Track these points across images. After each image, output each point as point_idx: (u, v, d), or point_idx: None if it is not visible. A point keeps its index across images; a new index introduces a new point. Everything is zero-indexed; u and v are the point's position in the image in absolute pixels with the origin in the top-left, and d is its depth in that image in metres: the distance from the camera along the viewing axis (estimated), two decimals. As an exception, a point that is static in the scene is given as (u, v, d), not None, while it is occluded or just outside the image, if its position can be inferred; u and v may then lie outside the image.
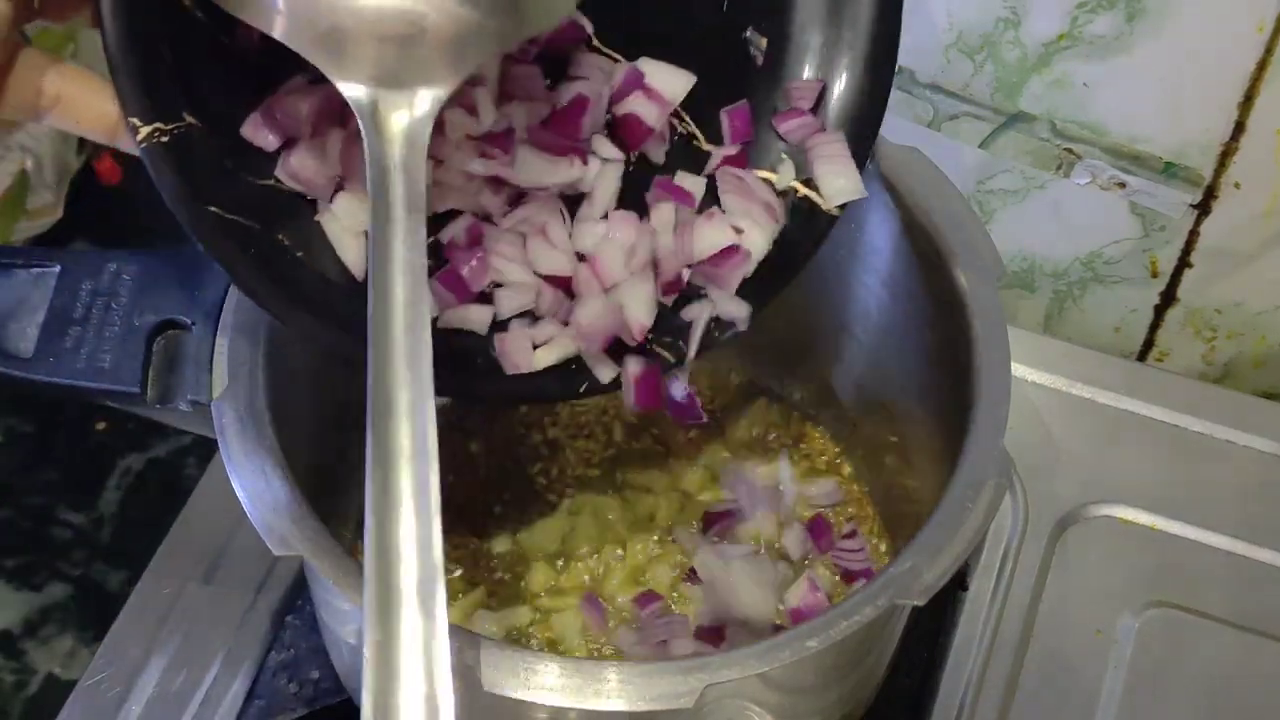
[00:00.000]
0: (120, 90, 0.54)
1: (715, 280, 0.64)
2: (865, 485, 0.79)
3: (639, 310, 0.63)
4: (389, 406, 0.50)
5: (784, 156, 0.66)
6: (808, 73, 0.66)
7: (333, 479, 0.74)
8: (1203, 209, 0.83)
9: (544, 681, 0.54)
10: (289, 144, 0.60)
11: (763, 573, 0.73)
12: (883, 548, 0.78)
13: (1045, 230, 0.87)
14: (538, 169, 0.62)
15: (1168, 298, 0.88)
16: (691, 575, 0.75)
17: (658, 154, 0.65)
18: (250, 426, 0.61)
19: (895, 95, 0.83)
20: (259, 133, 0.59)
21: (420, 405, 0.49)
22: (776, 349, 0.81)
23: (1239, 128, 0.78)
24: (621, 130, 0.64)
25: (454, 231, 0.62)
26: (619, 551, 0.76)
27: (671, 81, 0.64)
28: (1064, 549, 0.80)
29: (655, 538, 0.76)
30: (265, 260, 0.59)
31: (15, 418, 0.94)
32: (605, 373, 0.64)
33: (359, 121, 0.53)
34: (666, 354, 0.65)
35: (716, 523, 0.76)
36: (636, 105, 0.64)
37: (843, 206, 0.65)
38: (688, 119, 0.66)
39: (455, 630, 0.56)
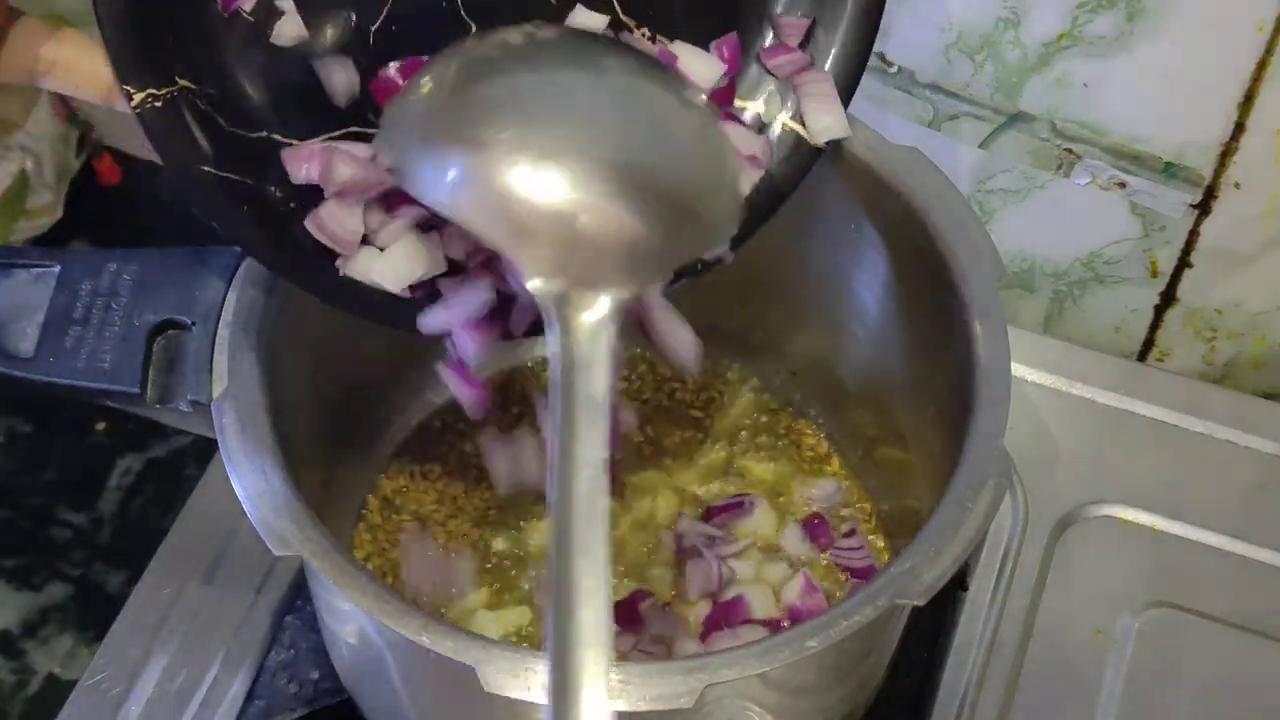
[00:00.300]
0: (113, 57, 0.55)
1: None
2: (865, 484, 0.79)
3: None
4: (569, 595, 0.49)
5: (771, 90, 0.67)
6: (798, 9, 0.67)
7: (333, 479, 0.74)
8: (1203, 209, 0.83)
9: (544, 681, 0.54)
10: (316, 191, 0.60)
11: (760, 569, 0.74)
12: (879, 544, 0.78)
13: (1045, 230, 0.87)
14: None
15: (1168, 298, 0.88)
16: (683, 553, 0.75)
17: None
18: (250, 426, 0.61)
19: (895, 95, 0.83)
20: (299, 166, 0.60)
21: (597, 591, 0.49)
22: (776, 348, 0.81)
23: (1239, 128, 0.78)
24: None
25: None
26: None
27: (702, 66, 0.65)
28: (1064, 549, 0.80)
29: (655, 538, 0.76)
30: (261, 216, 0.59)
31: (15, 418, 0.94)
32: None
33: (544, 313, 0.54)
34: None
35: (717, 515, 0.76)
36: None
37: (828, 143, 0.66)
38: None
39: (455, 630, 0.56)
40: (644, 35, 0.65)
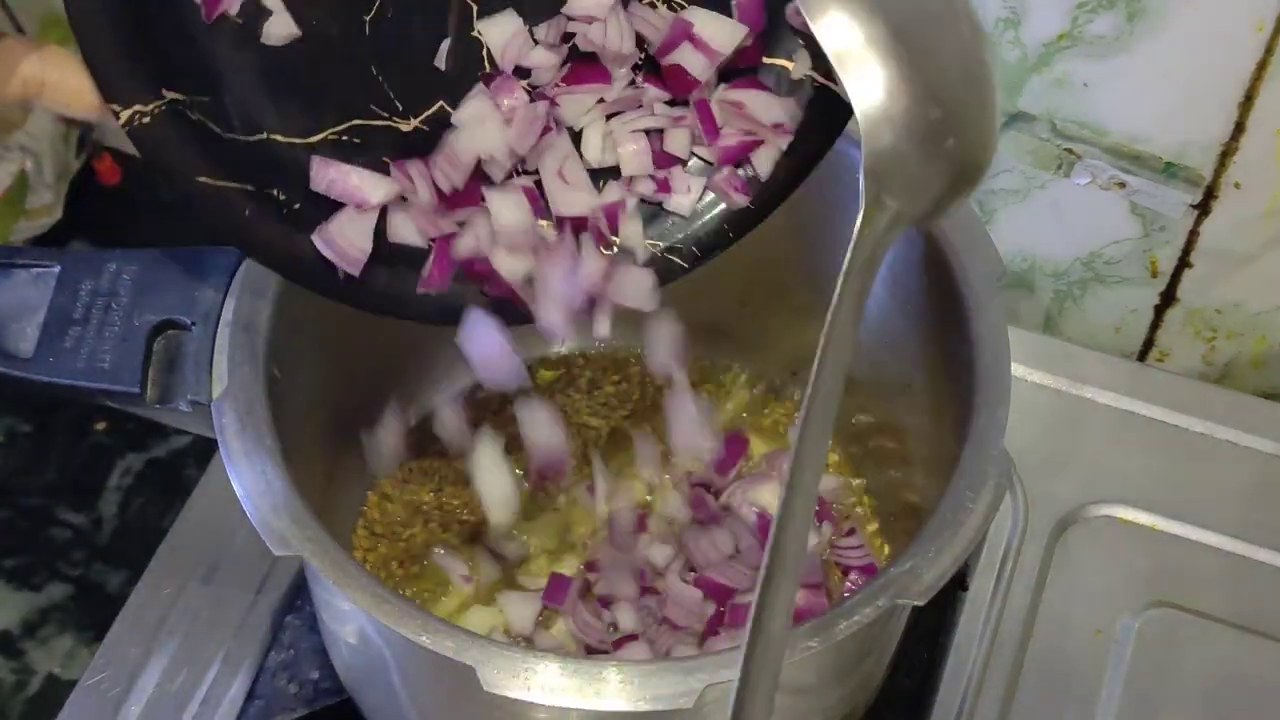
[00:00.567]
0: (96, 76, 0.54)
1: (727, 185, 0.64)
2: (865, 484, 0.80)
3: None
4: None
5: (800, 47, 0.65)
6: None
7: (333, 479, 0.74)
8: (1203, 209, 0.83)
9: (544, 681, 0.54)
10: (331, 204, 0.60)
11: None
12: (878, 542, 0.78)
13: (1045, 230, 0.87)
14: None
15: (1168, 298, 0.88)
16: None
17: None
18: (250, 426, 0.61)
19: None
20: (324, 171, 0.59)
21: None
22: (776, 347, 0.81)
23: (1239, 128, 0.78)
24: (667, 81, 0.63)
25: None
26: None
27: (721, 31, 0.62)
28: (1064, 549, 0.80)
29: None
30: (263, 219, 0.59)
31: (15, 418, 0.94)
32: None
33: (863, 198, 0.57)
34: (679, 260, 0.64)
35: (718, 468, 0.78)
36: (683, 56, 0.63)
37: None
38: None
39: (455, 630, 0.56)
40: (656, 3, 0.63)
